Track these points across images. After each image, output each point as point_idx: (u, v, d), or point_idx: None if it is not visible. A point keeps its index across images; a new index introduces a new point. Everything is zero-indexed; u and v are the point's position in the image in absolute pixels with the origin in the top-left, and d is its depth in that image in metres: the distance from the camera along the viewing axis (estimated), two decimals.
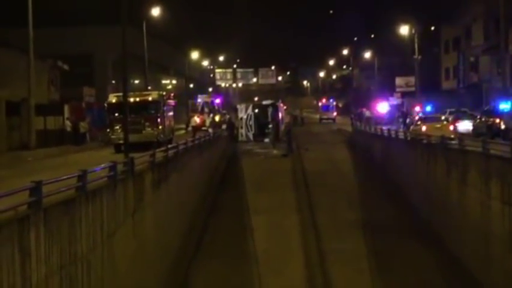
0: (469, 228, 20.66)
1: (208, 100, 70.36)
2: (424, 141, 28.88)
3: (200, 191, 32.41)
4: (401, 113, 66.99)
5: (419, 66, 70.91)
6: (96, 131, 47.68)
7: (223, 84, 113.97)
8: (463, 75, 67.76)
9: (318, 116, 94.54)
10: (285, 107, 72.55)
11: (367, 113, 74.84)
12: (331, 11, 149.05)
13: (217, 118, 65.51)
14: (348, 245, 25.11)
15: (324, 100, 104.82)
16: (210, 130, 53.59)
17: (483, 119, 39.90)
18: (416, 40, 68.33)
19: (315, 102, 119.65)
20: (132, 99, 33.57)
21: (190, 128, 59.39)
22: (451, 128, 41.01)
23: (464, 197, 21.40)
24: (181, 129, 61.44)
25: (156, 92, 39.59)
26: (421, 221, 26.84)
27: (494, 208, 18.16)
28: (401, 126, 55.07)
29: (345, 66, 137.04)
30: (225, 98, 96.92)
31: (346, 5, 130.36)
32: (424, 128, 40.28)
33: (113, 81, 65.79)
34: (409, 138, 34.84)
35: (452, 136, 29.59)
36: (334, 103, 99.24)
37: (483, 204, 19.17)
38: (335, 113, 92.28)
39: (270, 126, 54.11)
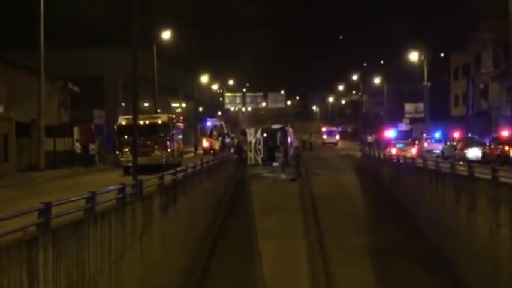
0: (478, 255, 20.56)
1: (218, 124, 70.43)
2: (431, 166, 28.85)
3: (208, 214, 32.37)
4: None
5: (428, 92, 70.93)
6: (105, 153, 47.74)
7: (232, 108, 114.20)
8: (472, 102, 67.64)
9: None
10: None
11: (369, 138, 75.61)
12: (340, 37, 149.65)
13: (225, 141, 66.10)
14: (355, 271, 25.00)
15: (326, 126, 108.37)
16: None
17: (492, 146, 39.79)
18: (425, 66, 68.40)
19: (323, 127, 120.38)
20: (141, 122, 33.64)
21: (201, 151, 59.95)
22: (413, 150, 53.68)
23: (473, 224, 21.32)
24: (190, 152, 61.53)
25: (166, 115, 39.66)
26: (430, 247, 26.71)
27: (503, 235, 18.08)
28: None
29: (354, 92, 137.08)
30: (234, 122, 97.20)
31: (356, 30, 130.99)
32: (394, 150, 52.55)
33: (123, 104, 65.94)
34: (382, 157, 45.44)
35: (414, 156, 41.49)
36: (336, 129, 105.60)
37: (492, 231, 19.09)
38: (337, 137, 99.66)
39: (279, 150, 54.13)
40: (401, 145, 58.87)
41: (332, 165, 56.04)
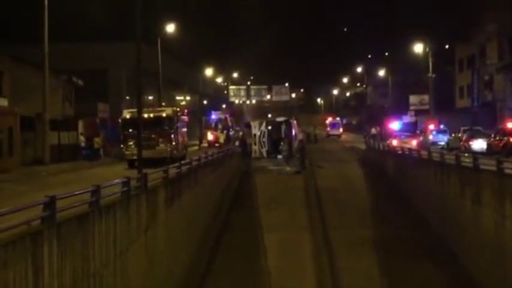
0: (483, 247, 20.54)
1: (222, 117, 70.48)
2: (436, 158, 28.79)
3: (213, 207, 32.38)
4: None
5: (433, 84, 70.80)
6: (110, 147, 47.79)
7: (236, 101, 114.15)
8: (477, 94, 67.53)
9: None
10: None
11: (372, 130, 75.75)
12: (345, 29, 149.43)
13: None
14: (360, 264, 24.99)
15: (330, 118, 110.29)
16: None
17: (497, 138, 39.74)
18: (430, 58, 68.27)
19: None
20: (146, 115, 33.63)
21: (206, 144, 60.23)
22: (414, 142, 54.57)
23: (478, 216, 21.29)
24: (195, 145, 61.57)
25: (170, 108, 39.66)
26: (435, 239, 26.70)
27: (509, 227, 18.06)
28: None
29: (358, 84, 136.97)
30: (239, 115, 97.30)
31: (360, 22, 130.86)
32: (394, 142, 54.03)
33: (127, 97, 65.98)
34: (386, 149, 47.18)
35: (413, 148, 42.64)
36: (340, 121, 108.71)
37: (497, 223, 19.07)
38: (341, 130, 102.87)
39: (283, 143, 54.14)
40: (402, 137, 59.74)
41: (337, 158, 56.05)
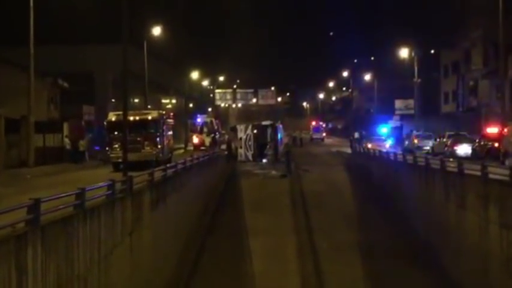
0: (467, 252, 20.62)
1: (208, 120, 70.43)
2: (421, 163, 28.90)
3: (198, 210, 32.35)
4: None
5: (418, 89, 71.08)
6: (95, 149, 47.60)
7: (222, 105, 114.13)
8: (462, 99, 67.86)
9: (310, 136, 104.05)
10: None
11: (355, 134, 76.00)
12: (331, 33, 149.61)
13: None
14: (345, 267, 25.05)
15: (314, 123, 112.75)
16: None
17: (482, 143, 39.94)
18: (415, 63, 68.53)
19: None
20: (131, 118, 33.46)
21: (191, 147, 60.03)
22: (387, 145, 61.60)
23: (462, 220, 21.38)
24: (180, 148, 61.47)
25: (156, 111, 39.53)
26: (420, 243, 26.78)
27: (492, 232, 18.14)
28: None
29: (344, 88, 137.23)
30: (224, 118, 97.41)
31: (347, 27, 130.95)
32: (369, 145, 57.99)
33: (113, 100, 65.81)
34: (371, 153, 48.51)
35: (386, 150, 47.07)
36: (323, 125, 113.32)
37: (481, 228, 19.16)
38: (324, 134, 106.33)
39: (269, 146, 54.22)
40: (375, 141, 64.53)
41: (322, 162, 56.12)
